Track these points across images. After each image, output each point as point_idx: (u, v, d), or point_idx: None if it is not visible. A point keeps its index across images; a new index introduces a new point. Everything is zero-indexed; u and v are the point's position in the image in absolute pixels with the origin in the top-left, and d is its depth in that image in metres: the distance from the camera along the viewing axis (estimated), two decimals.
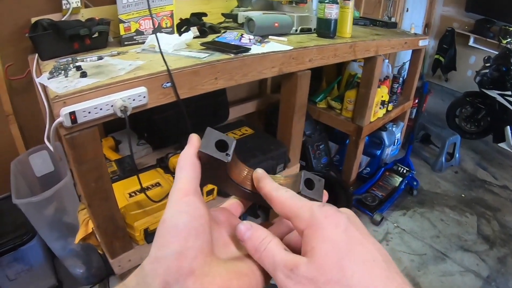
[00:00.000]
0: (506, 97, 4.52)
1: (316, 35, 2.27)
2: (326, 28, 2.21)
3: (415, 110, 4.28)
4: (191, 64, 1.42)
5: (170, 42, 1.62)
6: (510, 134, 4.63)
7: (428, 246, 3.10)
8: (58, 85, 1.16)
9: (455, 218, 3.55)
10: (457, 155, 4.43)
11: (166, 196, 1.56)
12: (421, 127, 4.49)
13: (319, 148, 3.21)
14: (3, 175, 1.97)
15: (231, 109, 2.70)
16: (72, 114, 1.09)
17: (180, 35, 1.74)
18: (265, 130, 2.77)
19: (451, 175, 4.31)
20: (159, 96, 1.34)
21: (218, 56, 1.57)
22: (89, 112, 1.13)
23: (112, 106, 1.16)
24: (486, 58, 4.85)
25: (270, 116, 3.16)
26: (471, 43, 6.59)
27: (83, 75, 1.24)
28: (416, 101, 4.10)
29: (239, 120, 2.61)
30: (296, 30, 2.28)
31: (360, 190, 3.30)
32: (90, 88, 1.15)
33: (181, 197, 0.42)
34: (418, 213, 3.47)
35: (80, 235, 1.58)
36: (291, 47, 1.83)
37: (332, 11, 2.16)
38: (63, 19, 1.70)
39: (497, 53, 4.93)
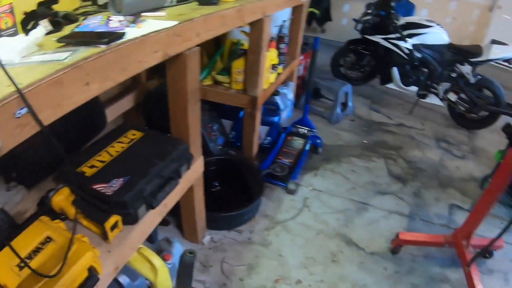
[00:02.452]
0: (390, 40, 4.63)
1: (196, 3, 1.92)
2: None
3: (301, 67, 4.21)
4: (50, 72, 1.02)
5: (15, 48, 1.19)
6: (397, 74, 4.76)
7: (348, 200, 3.08)
8: None
9: (364, 166, 3.57)
10: (350, 104, 4.50)
11: (65, 261, 1.22)
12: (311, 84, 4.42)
13: (212, 129, 3.00)
14: None
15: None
16: None
17: (27, 34, 1.30)
18: (148, 126, 2.47)
19: (348, 125, 4.35)
20: (14, 132, 0.94)
21: (84, 52, 1.17)
22: None
23: None
24: (367, 4, 4.93)
25: (152, 108, 2.83)
26: None
27: None
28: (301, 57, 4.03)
29: (123, 124, 2.18)
30: (172, 1, 1.90)
31: (266, 162, 3.13)
32: None
33: None
34: (328, 170, 3.42)
35: None
36: (176, 22, 1.49)
37: None
38: None
39: None
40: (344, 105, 4.46)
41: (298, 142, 3.33)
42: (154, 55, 1.41)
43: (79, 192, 1.59)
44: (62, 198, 1.61)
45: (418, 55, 4.55)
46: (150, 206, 1.66)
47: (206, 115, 2.93)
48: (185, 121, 1.84)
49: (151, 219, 1.70)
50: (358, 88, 5.27)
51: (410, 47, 4.50)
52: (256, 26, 2.43)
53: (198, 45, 1.71)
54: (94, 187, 1.57)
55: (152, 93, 2.73)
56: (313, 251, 2.56)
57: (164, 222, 2.58)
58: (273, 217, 2.77)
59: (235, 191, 2.88)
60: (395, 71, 4.74)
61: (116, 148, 1.82)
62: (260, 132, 3.20)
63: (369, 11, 4.81)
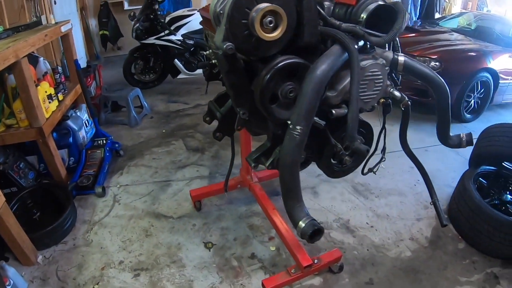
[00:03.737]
0: (162, 38, 5.47)
1: None
2: None
3: (91, 88, 4.84)
4: None
5: None
6: (180, 64, 5.68)
7: (152, 183, 3.75)
8: None
9: (165, 151, 4.30)
10: (145, 104, 5.20)
11: None
12: (104, 99, 5.07)
13: (20, 167, 3.40)
14: None
15: None
16: None
17: None
18: None
19: (148, 122, 5.05)
20: None
21: None
22: None
23: None
24: (131, 14, 5.66)
25: None
26: (126, 7, 7.58)
27: None
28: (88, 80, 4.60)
29: None
30: None
31: (74, 179, 3.63)
32: None
33: None
34: (132, 166, 4.08)
35: None
36: None
37: None
38: None
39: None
40: (142, 107, 5.16)
41: (98, 153, 3.92)
42: None
43: None
44: None
45: (190, 42, 5.41)
46: None
47: (10, 158, 3.34)
48: None
49: None
50: (158, 87, 6.07)
51: (180, 38, 5.35)
52: (16, 68, 2.90)
53: None
54: None
55: None
56: (129, 234, 3.13)
57: (4, 259, 2.95)
58: (90, 220, 3.30)
59: (55, 213, 3.24)
60: (177, 62, 5.62)
61: None
62: (62, 156, 3.69)
63: (135, 19, 5.55)
